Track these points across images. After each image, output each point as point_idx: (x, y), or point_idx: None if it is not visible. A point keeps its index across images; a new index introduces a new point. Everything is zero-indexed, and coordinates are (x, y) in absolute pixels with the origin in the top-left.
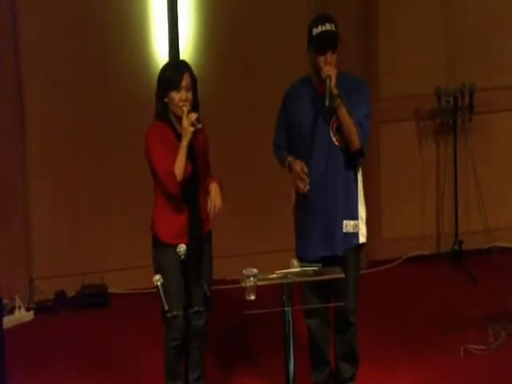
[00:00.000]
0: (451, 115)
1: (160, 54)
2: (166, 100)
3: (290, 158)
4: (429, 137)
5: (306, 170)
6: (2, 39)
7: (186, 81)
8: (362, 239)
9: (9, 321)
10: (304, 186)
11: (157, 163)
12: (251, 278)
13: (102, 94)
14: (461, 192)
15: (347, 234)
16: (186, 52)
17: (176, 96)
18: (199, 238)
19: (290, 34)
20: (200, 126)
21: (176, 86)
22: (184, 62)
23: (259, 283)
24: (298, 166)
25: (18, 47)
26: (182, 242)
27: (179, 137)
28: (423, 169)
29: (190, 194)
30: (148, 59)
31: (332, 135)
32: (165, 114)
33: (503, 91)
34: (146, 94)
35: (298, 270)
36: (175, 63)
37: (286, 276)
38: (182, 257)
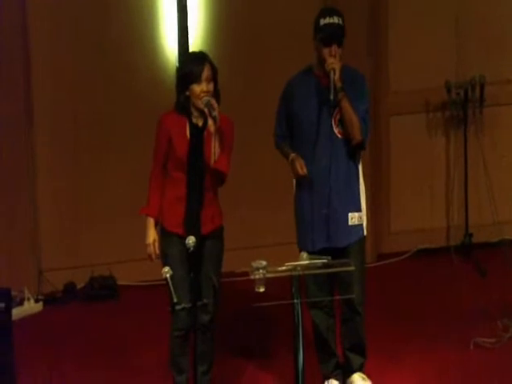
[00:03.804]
0: (461, 108)
1: (169, 48)
2: (187, 93)
3: (293, 155)
4: (439, 129)
5: (305, 170)
6: (12, 38)
7: (206, 72)
8: (365, 231)
9: (18, 312)
10: (301, 169)
11: (153, 158)
12: (260, 271)
13: (108, 90)
14: (471, 185)
15: (352, 227)
16: (195, 48)
17: (197, 88)
18: (196, 234)
19: (299, 32)
20: (215, 113)
21: (197, 79)
22: (203, 54)
23: (268, 275)
24: (298, 165)
25: (27, 45)
26: (179, 233)
27: (194, 130)
28: (433, 161)
29: (192, 185)
30: (157, 56)
31: (334, 127)
32: (185, 107)
33: None
34: (154, 90)
35: (307, 262)
36: (195, 55)
37: (295, 268)
38: (191, 249)
